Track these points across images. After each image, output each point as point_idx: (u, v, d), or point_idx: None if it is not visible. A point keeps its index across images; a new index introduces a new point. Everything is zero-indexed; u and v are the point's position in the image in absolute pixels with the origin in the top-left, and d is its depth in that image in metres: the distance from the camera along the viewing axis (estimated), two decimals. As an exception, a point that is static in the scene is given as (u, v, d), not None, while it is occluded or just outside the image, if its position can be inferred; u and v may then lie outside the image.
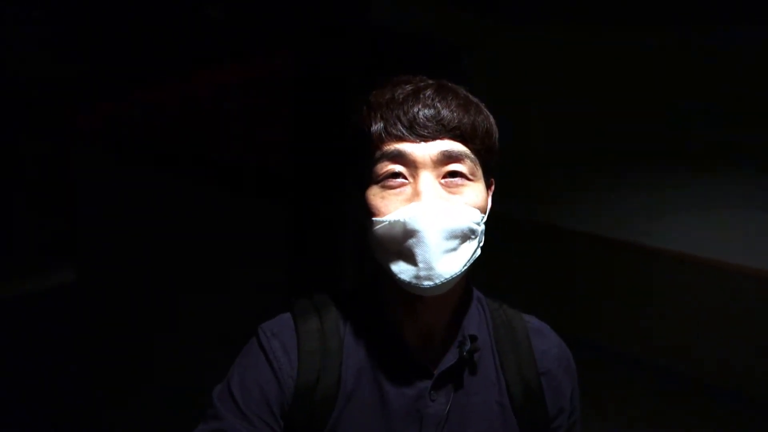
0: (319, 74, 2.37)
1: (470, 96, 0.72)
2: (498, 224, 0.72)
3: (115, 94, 2.27)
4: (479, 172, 0.70)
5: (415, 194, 0.66)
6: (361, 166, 0.70)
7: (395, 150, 0.66)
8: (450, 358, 0.74)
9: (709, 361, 3.26)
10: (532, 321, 0.83)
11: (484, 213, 0.71)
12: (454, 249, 0.66)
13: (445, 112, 0.67)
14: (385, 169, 0.67)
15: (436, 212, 0.64)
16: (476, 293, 0.82)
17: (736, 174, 3.19)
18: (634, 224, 3.59)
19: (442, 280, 0.65)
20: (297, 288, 2.44)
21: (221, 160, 2.49)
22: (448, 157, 0.67)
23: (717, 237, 3.27)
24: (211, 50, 2.28)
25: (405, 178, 0.67)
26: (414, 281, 0.65)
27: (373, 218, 0.68)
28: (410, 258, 0.65)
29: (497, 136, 0.73)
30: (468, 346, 0.74)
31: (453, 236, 0.65)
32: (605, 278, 3.70)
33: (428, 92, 0.68)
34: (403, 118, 0.66)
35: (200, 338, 2.46)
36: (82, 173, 2.37)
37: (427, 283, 0.65)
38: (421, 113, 0.66)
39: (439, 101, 0.67)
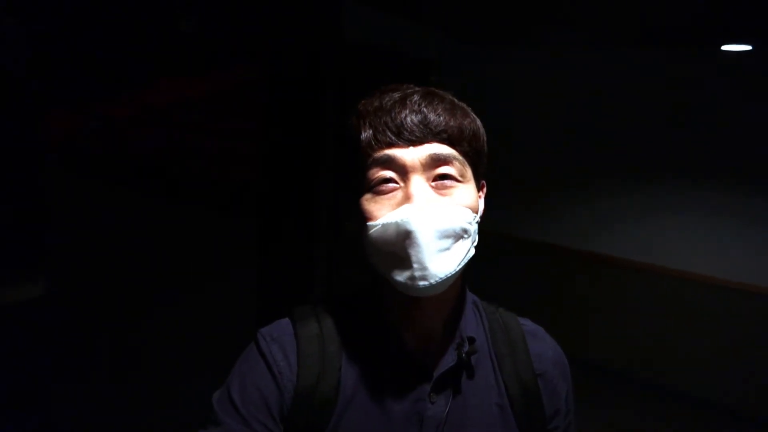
0: (290, 88, 2.37)
1: (456, 101, 0.74)
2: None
3: (84, 106, 2.19)
4: (469, 174, 0.72)
5: (407, 197, 0.67)
6: (354, 175, 0.72)
7: (385, 155, 0.68)
8: (448, 360, 0.74)
9: (677, 369, 3.38)
10: (528, 324, 0.85)
11: (476, 213, 0.72)
12: (448, 248, 0.67)
13: (431, 117, 0.68)
14: (376, 176, 0.68)
15: (428, 213, 0.65)
16: (472, 296, 0.83)
17: (710, 184, 3.32)
18: (596, 235, 3.72)
19: (437, 279, 0.66)
20: (267, 302, 2.40)
21: (193, 175, 2.45)
22: (437, 160, 0.68)
23: (681, 247, 3.40)
24: (182, 63, 2.24)
25: (396, 182, 0.68)
26: (409, 282, 0.66)
27: (367, 223, 0.69)
28: (404, 259, 0.66)
29: (485, 139, 0.75)
30: (466, 347, 0.75)
31: (446, 236, 0.66)
32: (569, 289, 3.81)
33: (415, 98, 0.70)
34: (391, 125, 0.68)
35: (171, 351, 2.40)
36: (51, 186, 2.29)
37: (422, 283, 0.66)
38: (408, 119, 0.68)
39: (426, 106, 0.69)
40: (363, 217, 0.70)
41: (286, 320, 0.76)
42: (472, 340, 0.76)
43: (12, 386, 2.18)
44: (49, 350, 2.37)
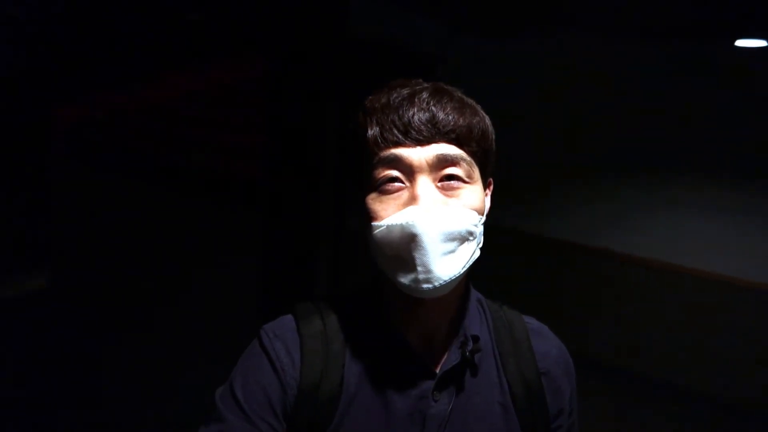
0: (295, 83, 2.36)
1: (465, 98, 0.72)
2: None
3: (89, 99, 2.20)
4: (476, 174, 0.71)
5: (413, 198, 0.66)
6: (360, 172, 0.71)
7: (391, 155, 0.67)
8: (452, 358, 0.74)
9: (681, 368, 3.36)
10: (532, 322, 0.84)
11: (482, 214, 0.71)
12: (452, 251, 0.66)
13: (440, 116, 0.67)
14: (382, 175, 0.68)
15: (434, 216, 0.64)
16: (476, 294, 0.82)
17: (712, 180, 3.30)
18: (604, 231, 3.70)
19: (441, 282, 0.65)
20: (269, 298, 2.41)
21: (196, 167, 2.46)
22: (444, 161, 0.67)
23: (689, 245, 3.37)
24: (187, 57, 2.25)
25: (402, 182, 0.67)
26: (413, 284, 0.66)
27: (372, 223, 0.68)
28: (409, 262, 0.65)
29: (494, 137, 0.74)
30: (470, 346, 0.74)
31: (451, 239, 0.65)
32: (569, 283, 3.78)
33: (423, 95, 0.68)
34: (399, 123, 0.67)
35: (174, 346, 2.42)
36: (56, 178, 2.32)
37: (426, 286, 0.65)
38: (416, 117, 0.67)
39: (434, 104, 0.67)
40: (368, 216, 0.69)
41: (289, 317, 0.76)
42: (476, 339, 0.75)
43: (13, 380, 2.21)
44: (52, 343, 2.40)
